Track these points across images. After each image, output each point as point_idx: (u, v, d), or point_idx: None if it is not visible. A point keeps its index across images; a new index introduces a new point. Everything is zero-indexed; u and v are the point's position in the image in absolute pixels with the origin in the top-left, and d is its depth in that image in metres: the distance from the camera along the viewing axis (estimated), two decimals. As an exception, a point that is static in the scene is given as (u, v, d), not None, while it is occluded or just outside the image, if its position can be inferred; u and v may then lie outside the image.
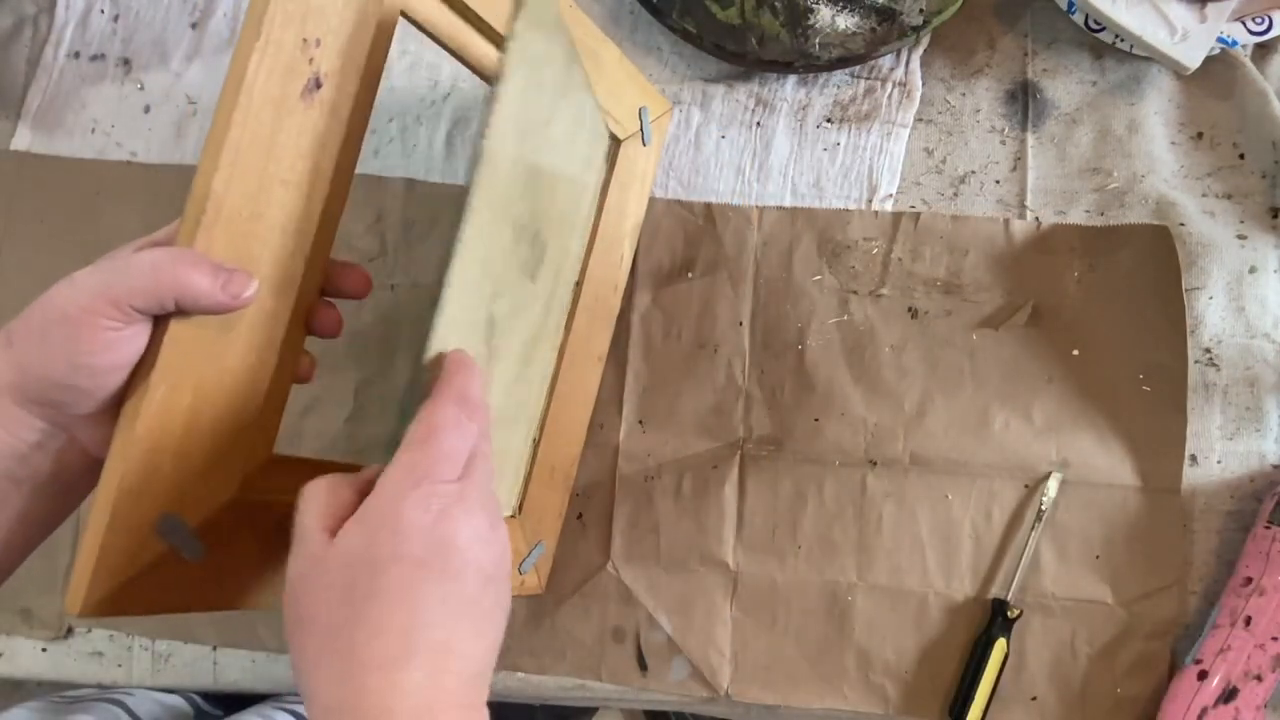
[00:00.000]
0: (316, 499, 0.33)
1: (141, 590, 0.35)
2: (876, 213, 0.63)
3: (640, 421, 0.62)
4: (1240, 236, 0.62)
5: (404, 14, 0.43)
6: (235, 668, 0.61)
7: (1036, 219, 0.63)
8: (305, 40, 0.37)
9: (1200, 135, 0.64)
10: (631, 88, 0.57)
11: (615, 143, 0.57)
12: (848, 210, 0.63)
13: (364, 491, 0.33)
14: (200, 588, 0.37)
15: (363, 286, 0.44)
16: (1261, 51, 0.64)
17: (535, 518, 0.56)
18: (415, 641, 0.30)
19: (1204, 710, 0.55)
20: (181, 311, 0.34)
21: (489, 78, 0.47)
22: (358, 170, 0.65)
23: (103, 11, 0.68)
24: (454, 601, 0.31)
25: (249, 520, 0.39)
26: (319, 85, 0.38)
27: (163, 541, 0.35)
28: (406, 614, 0.30)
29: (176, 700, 0.61)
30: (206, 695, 0.64)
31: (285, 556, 0.39)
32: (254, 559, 0.39)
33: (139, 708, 0.57)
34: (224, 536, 0.38)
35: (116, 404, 0.35)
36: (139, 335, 0.34)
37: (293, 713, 0.58)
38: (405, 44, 0.67)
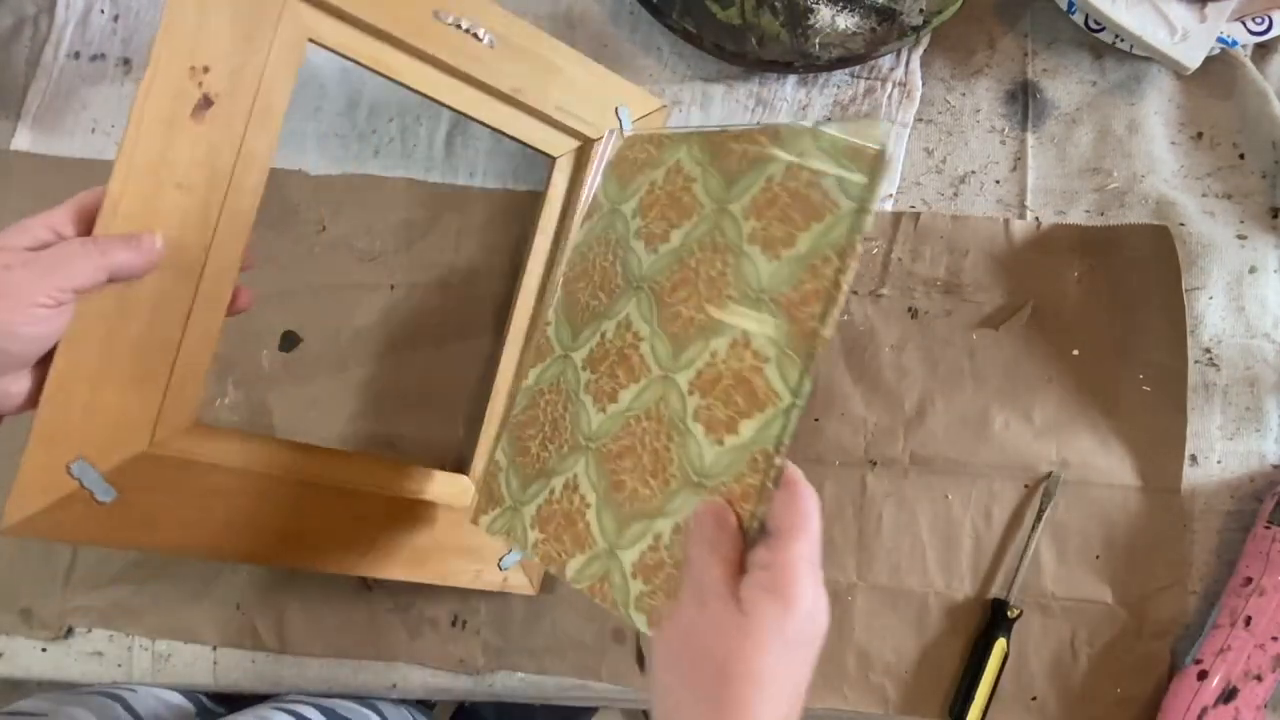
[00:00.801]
0: (715, 549, 0.37)
1: (58, 521, 0.42)
2: (876, 213, 0.63)
3: (640, 421, 0.62)
4: (1240, 236, 0.62)
5: (312, 40, 0.49)
6: (235, 668, 0.61)
7: (1036, 219, 0.63)
8: (193, 68, 0.44)
9: (1200, 135, 0.64)
10: (604, 88, 0.57)
11: (586, 143, 0.58)
12: (848, 210, 0.63)
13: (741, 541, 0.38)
14: (115, 526, 0.44)
15: (248, 260, 0.48)
16: (1261, 51, 0.65)
17: None
18: (793, 704, 0.35)
19: (1204, 710, 0.55)
20: (111, 280, 0.41)
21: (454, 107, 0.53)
22: (358, 170, 0.66)
23: (103, 11, 0.68)
24: (810, 669, 0.36)
25: (166, 474, 0.45)
26: (209, 104, 0.45)
27: (75, 481, 0.42)
28: (792, 681, 0.35)
29: (179, 698, 0.61)
30: (210, 693, 0.64)
31: (211, 512, 0.47)
32: (171, 509, 0.46)
33: (140, 704, 0.57)
34: (138, 484, 0.44)
35: (37, 368, 0.41)
36: (68, 310, 0.40)
37: (292, 713, 0.58)
38: (405, 44, 0.67)
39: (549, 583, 0.60)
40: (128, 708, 0.56)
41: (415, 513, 0.54)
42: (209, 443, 0.47)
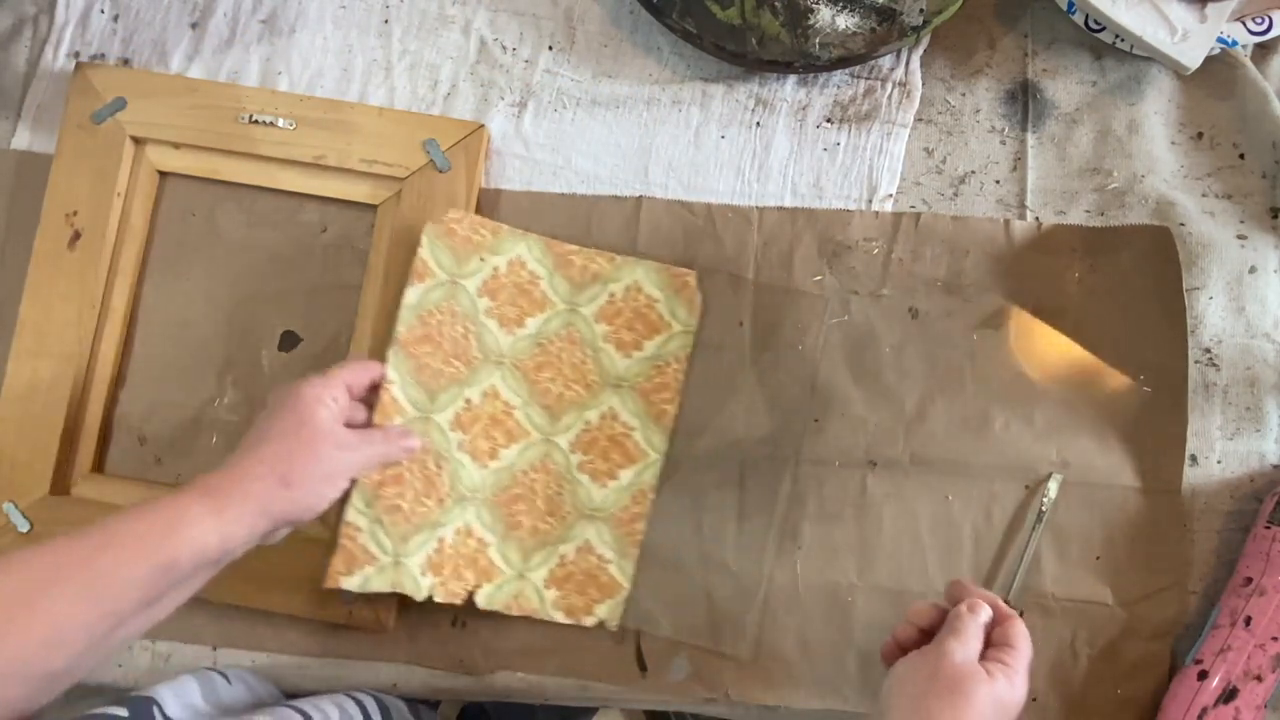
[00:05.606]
0: (975, 637, 0.48)
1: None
2: (877, 213, 0.63)
3: (640, 422, 0.63)
4: (1240, 236, 0.62)
5: (159, 170, 0.64)
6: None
7: (1037, 219, 0.63)
8: (67, 214, 0.62)
9: (1200, 135, 0.64)
10: (403, 130, 0.63)
11: (397, 184, 0.62)
12: (848, 211, 0.63)
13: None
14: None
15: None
16: (1261, 51, 0.65)
17: None
18: None
19: (1204, 710, 0.55)
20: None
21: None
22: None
23: (103, 11, 0.68)
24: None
25: (67, 512, 0.61)
26: (79, 236, 0.62)
27: (5, 516, 0.60)
28: None
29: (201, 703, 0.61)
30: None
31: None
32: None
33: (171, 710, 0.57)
34: (46, 519, 0.60)
35: None
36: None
37: (300, 711, 0.58)
38: (406, 44, 0.67)
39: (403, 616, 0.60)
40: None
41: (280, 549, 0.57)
42: (100, 487, 0.62)
